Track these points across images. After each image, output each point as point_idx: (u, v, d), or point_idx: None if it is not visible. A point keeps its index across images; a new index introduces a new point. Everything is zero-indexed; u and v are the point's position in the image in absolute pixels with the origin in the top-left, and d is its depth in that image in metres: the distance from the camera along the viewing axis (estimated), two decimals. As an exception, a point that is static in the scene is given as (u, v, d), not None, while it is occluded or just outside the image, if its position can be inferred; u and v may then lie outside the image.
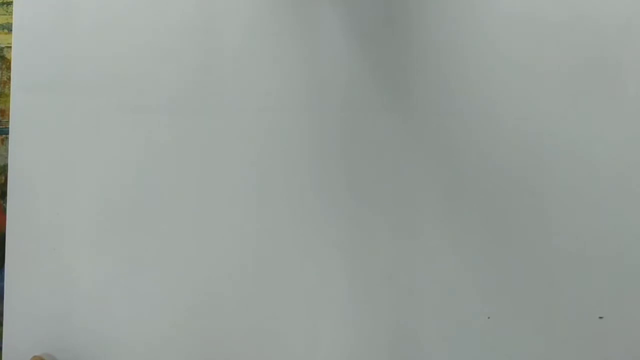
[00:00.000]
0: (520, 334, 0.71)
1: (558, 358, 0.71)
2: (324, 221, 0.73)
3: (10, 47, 0.79)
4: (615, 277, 0.71)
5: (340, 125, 0.74)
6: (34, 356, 0.72)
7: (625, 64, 0.72)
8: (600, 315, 0.71)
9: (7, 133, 0.77)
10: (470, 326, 0.72)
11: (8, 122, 0.77)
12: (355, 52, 0.74)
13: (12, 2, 0.79)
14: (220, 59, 0.75)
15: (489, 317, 0.71)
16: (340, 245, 0.73)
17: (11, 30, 0.78)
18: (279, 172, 0.74)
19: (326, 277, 0.72)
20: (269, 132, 0.74)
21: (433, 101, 0.73)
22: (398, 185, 0.73)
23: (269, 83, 0.75)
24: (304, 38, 0.75)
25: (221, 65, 0.75)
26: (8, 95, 0.77)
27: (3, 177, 1.32)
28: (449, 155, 0.73)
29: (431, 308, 0.72)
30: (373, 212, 0.73)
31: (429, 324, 0.72)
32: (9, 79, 0.79)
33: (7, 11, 0.85)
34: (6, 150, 0.77)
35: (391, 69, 0.73)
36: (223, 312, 0.73)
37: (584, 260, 0.71)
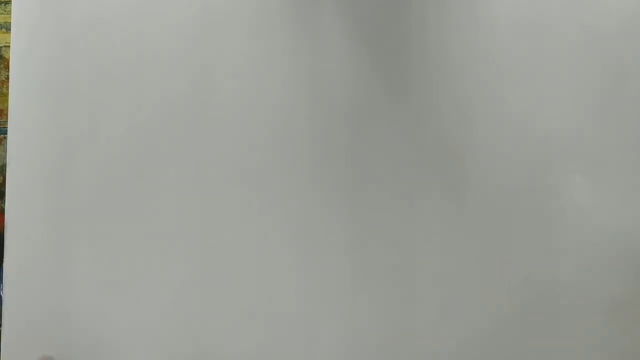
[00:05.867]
0: (522, 335, 0.71)
1: (560, 358, 0.71)
2: (326, 220, 0.73)
3: (9, 46, 0.78)
4: (620, 278, 0.71)
5: (341, 125, 0.74)
6: None
7: (626, 63, 0.72)
8: (603, 317, 0.71)
9: (5, 133, 0.77)
10: (472, 326, 0.72)
11: (6, 121, 0.76)
12: (357, 53, 0.74)
13: (10, 1, 0.79)
14: (220, 61, 0.75)
15: (490, 319, 0.71)
16: (341, 245, 0.72)
17: (10, 30, 0.77)
18: (280, 172, 0.73)
19: (327, 277, 0.72)
20: (270, 133, 0.74)
21: (436, 101, 0.73)
22: (400, 186, 0.73)
23: (270, 83, 0.74)
24: (305, 39, 0.75)
25: (222, 67, 0.75)
26: (6, 95, 0.77)
27: (1, 178, 1.31)
28: (451, 154, 0.73)
29: (432, 308, 0.72)
30: (374, 212, 0.73)
31: (430, 325, 0.72)
32: (7, 78, 0.78)
33: (5, 10, 0.85)
34: (4, 150, 0.77)
35: (393, 69, 0.73)
36: (223, 311, 0.72)
37: (588, 260, 0.71)
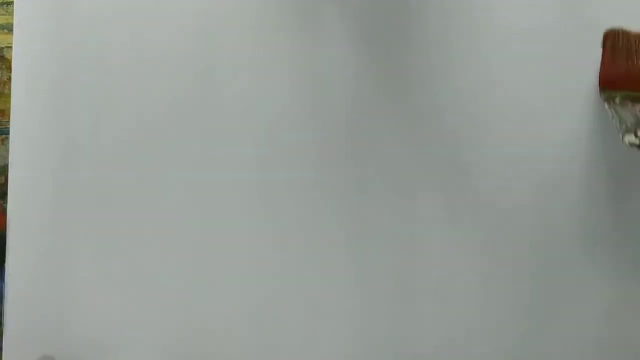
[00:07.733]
0: (524, 335, 0.71)
1: (561, 357, 0.71)
2: (326, 221, 0.73)
3: (11, 47, 0.78)
4: (622, 278, 0.71)
5: (342, 125, 0.74)
6: None
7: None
8: (604, 317, 0.71)
9: (7, 133, 0.77)
10: (472, 325, 0.72)
11: (8, 122, 0.76)
12: (357, 52, 0.74)
13: (12, 2, 0.79)
14: (221, 60, 0.75)
15: (491, 319, 0.71)
16: (342, 245, 0.73)
17: (11, 31, 0.77)
18: (282, 172, 0.73)
19: (328, 277, 0.72)
20: (271, 133, 0.74)
21: (437, 101, 0.73)
22: (400, 185, 0.73)
23: (271, 83, 0.74)
24: (305, 38, 0.75)
25: (222, 66, 0.75)
26: (8, 96, 0.77)
27: (3, 178, 1.31)
28: (451, 154, 0.73)
29: (434, 308, 0.72)
30: (375, 212, 0.73)
31: (431, 324, 0.72)
32: (9, 79, 0.79)
33: (7, 11, 0.85)
34: (6, 150, 0.77)
35: (394, 69, 0.73)
36: (224, 311, 0.73)
37: (588, 258, 0.71)
